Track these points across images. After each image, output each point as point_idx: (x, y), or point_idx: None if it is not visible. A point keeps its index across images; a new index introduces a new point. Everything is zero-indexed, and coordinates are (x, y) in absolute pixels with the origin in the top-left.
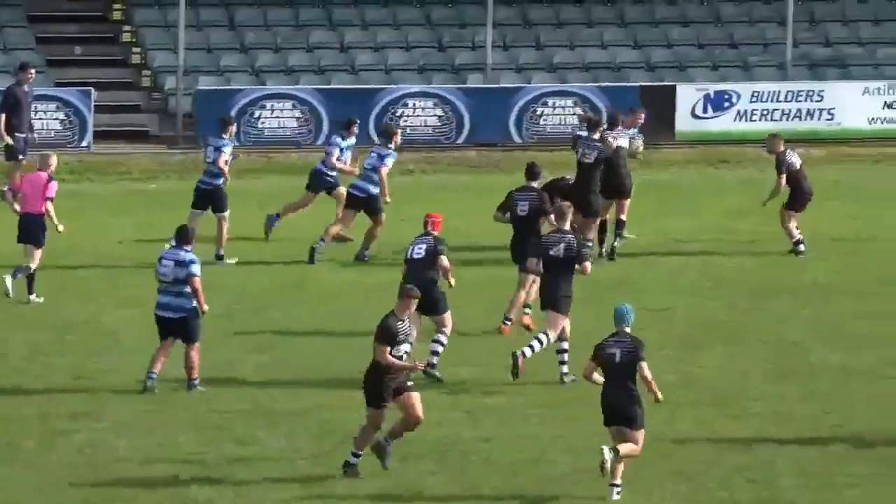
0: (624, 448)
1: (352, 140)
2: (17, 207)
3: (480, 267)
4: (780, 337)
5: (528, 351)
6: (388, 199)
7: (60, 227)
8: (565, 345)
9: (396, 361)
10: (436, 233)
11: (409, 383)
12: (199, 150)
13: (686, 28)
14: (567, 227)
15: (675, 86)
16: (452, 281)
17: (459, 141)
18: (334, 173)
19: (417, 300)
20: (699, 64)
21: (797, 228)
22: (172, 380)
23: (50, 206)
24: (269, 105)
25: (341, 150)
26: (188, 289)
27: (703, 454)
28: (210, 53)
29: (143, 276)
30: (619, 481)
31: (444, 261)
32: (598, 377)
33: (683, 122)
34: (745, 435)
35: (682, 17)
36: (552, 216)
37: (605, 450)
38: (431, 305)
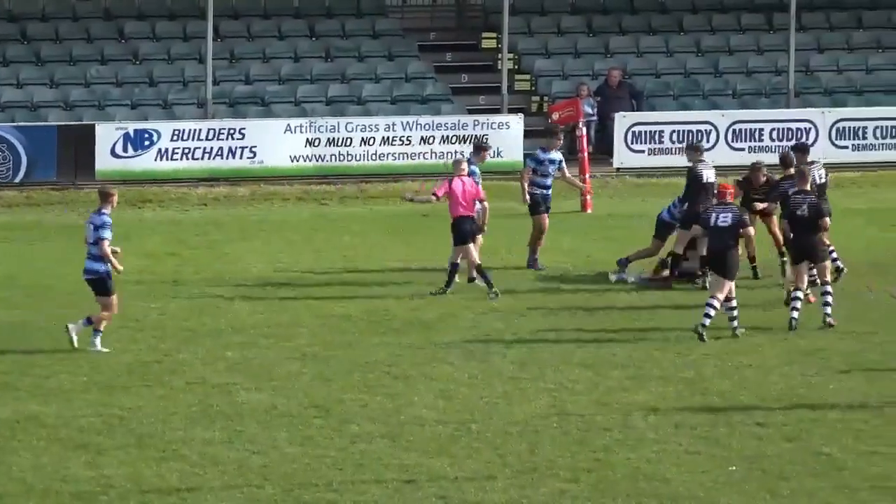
0: None
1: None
2: None
3: None
4: (204, 379)
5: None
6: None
7: None
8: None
9: None
10: (733, 203)
11: None
12: None
13: (104, 66)
14: (808, 187)
15: (94, 125)
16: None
17: None
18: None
19: None
20: (118, 102)
21: None
22: None
23: None
24: None
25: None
26: None
27: (128, 500)
28: None
29: None
30: None
31: (751, 230)
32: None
33: (104, 162)
34: (172, 479)
35: (99, 55)
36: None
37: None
38: (728, 270)
